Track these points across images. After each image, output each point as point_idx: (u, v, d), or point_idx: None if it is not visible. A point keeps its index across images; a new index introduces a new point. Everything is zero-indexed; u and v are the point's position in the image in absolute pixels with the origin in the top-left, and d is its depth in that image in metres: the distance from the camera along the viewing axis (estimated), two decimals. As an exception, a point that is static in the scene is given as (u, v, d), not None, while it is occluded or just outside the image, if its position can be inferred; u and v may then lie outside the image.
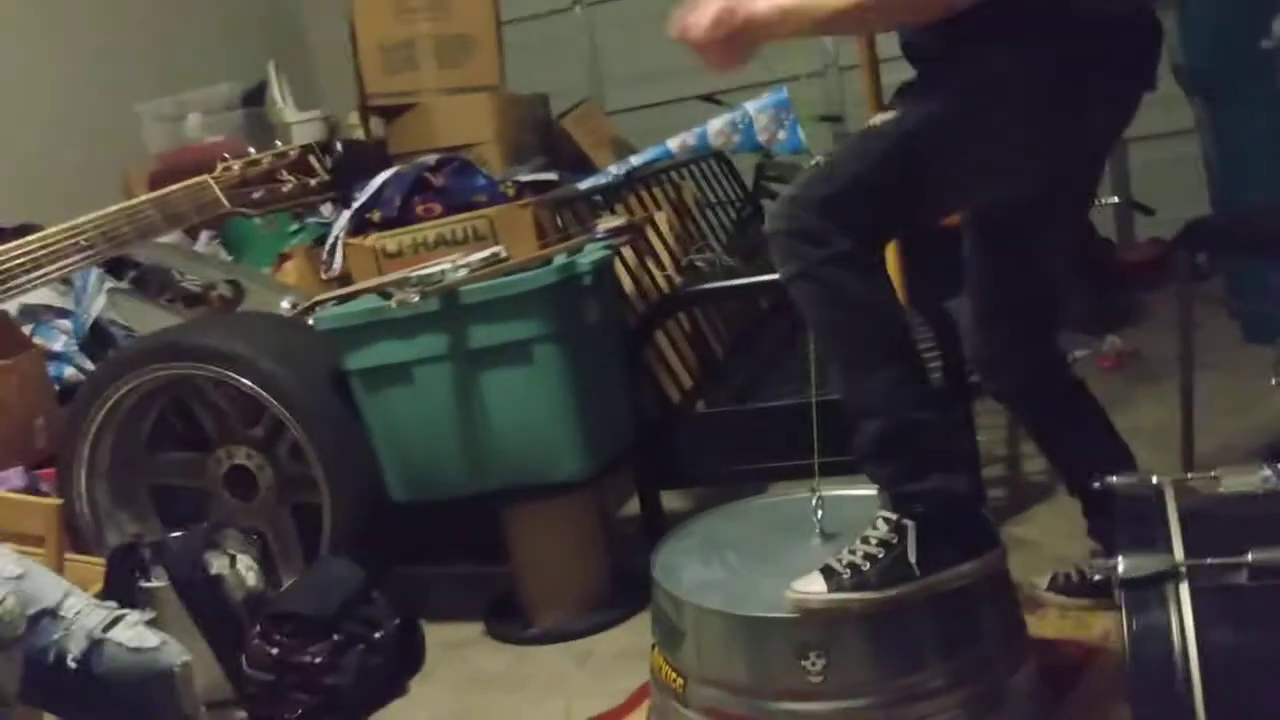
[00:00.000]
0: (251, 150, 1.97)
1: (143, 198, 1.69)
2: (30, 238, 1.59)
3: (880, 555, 1.57)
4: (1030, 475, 2.83)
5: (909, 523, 1.57)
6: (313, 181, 1.75)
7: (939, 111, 1.62)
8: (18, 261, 1.56)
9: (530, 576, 2.50)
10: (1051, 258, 1.91)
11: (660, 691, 1.80)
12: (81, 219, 1.63)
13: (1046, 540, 2.44)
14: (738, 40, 1.61)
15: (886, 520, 1.60)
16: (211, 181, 1.69)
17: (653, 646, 1.82)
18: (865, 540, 1.60)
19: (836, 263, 1.58)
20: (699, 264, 3.27)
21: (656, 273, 3.06)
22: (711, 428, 2.80)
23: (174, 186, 1.68)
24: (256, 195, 1.72)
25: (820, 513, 1.84)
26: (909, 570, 1.56)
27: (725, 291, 3.10)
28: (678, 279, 3.11)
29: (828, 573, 1.58)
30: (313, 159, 1.75)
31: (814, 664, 1.57)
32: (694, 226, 3.59)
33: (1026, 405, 2.07)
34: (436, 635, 2.49)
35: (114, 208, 1.66)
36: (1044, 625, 2.06)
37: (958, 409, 2.43)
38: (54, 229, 1.61)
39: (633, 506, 2.79)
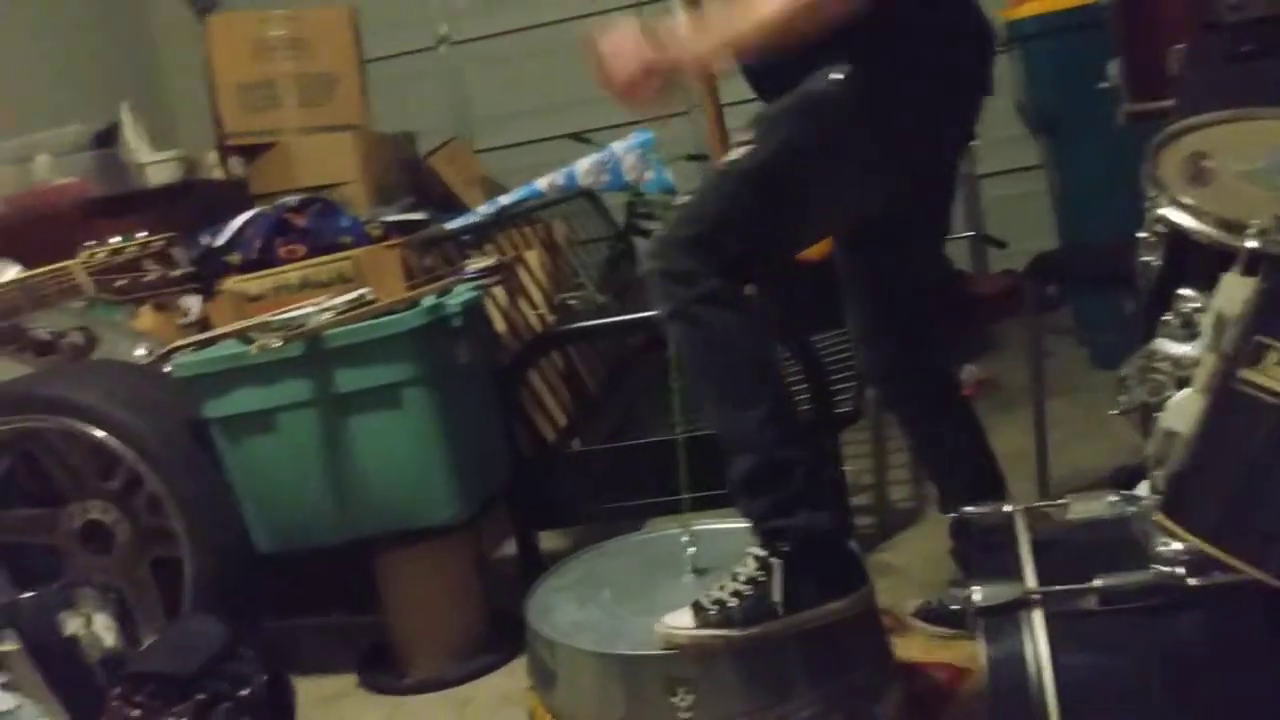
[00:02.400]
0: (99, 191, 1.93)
1: (7, 279, 1.66)
2: None
3: (748, 593, 1.60)
4: (897, 503, 2.90)
5: (775, 561, 1.60)
6: (174, 273, 1.76)
7: (790, 139, 1.67)
8: None
9: (404, 624, 2.45)
10: (920, 271, 2.00)
11: None
12: None
13: (913, 567, 2.50)
14: (664, 81, 1.65)
15: (755, 558, 1.62)
16: (76, 267, 1.68)
17: (529, 689, 1.81)
18: (734, 577, 1.62)
19: (706, 301, 1.61)
20: (571, 302, 3.28)
21: (529, 312, 3.06)
22: (587, 465, 2.80)
23: (38, 271, 1.68)
24: (120, 283, 1.72)
25: (692, 549, 1.86)
26: (773, 609, 1.59)
27: (598, 329, 3.11)
28: (550, 318, 3.11)
29: (696, 609, 1.61)
30: (175, 251, 1.76)
31: (683, 699, 1.59)
32: (565, 265, 3.60)
33: (914, 418, 2.13)
34: (308, 689, 2.42)
35: None
36: (912, 649, 2.11)
37: (825, 442, 2.49)
38: None
39: (509, 548, 2.76)
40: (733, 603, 1.59)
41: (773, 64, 1.72)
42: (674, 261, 1.63)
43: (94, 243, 1.72)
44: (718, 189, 1.70)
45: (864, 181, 1.73)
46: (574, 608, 1.85)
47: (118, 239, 1.73)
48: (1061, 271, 2.78)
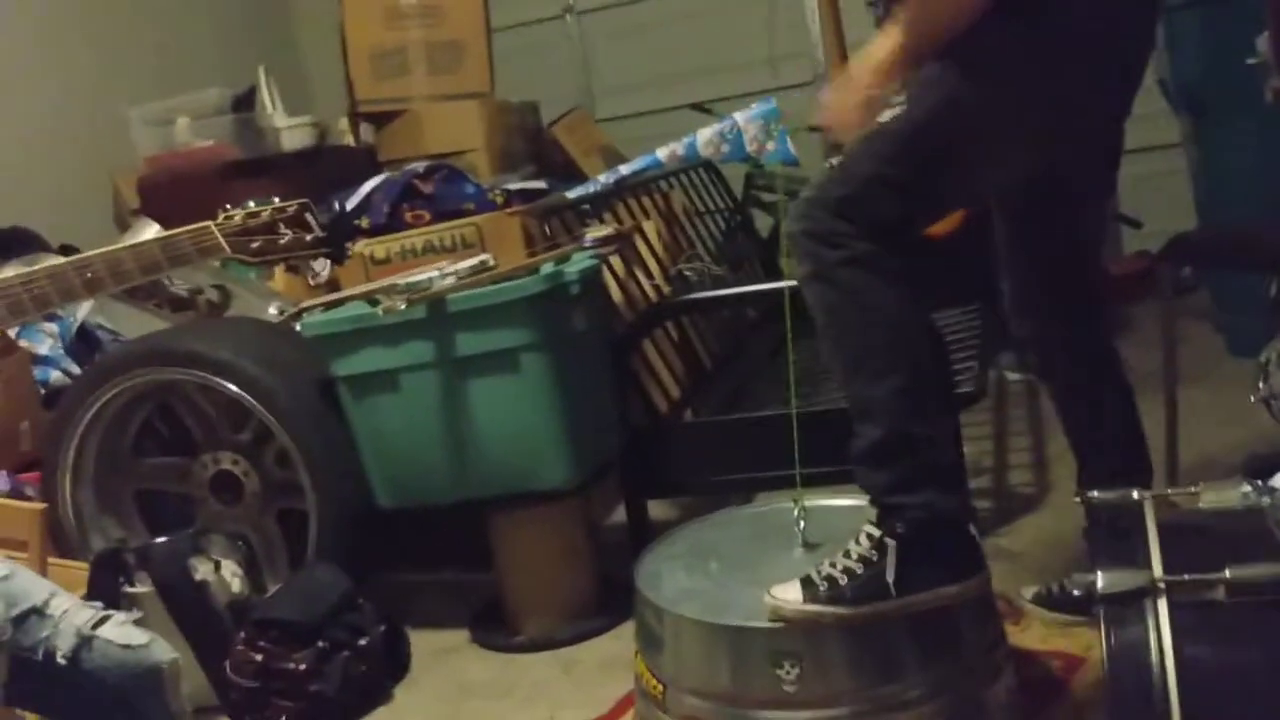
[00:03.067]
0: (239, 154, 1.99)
1: (149, 238, 1.76)
2: (39, 270, 1.63)
3: (859, 571, 1.57)
4: (1017, 487, 2.84)
5: (890, 541, 1.57)
6: (308, 237, 1.82)
7: (944, 98, 1.61)
8: (26, 295, 1.60)
9: (516, 584, 2.50)
10: (1085, 233, 1.94)
11: (643, 698, 1.81)
12: (90, 254, 1.67)
13: (1031, 552, 2.45)
14: (879, 101, 1.65)
15: (870, 536, 1.59)
16: (214, 228, 1.76)
17: (636, 653, 1.83)
18: (847, 554, 1.60)
19: (853, 265, 1.58)
20: (687, 273, 3.28)
21: (645, 282, 3.07)
22: (698, 437, 2.81)
23: (179, 230, 1.75)
24: (255, 245, 1.79)
25: (803, 523, 1.85)
26: (885, 589, 1.56)
27: (713, 301, 3.11)
28: (666, 288, 3.12)
29: (806, 583, 1.59)
30: (309, 216, 1.82)
31: (789, 673, 1.58)
32: (683, 236, 3.60)
33: (1068, 387, 2.06)
34: (422, 642, 2.49)
35: (121, 245, 1.72)
36: (1027, 636, 2.07)
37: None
38: (61, 262, 1.66)
39: (620, 515, 2.79)
40: (843, 580, 1.57)
41: None
42: (820, 222, 1.59)
43: (231, 206, 1.79)
44: (870, 150, 1.65)
45: (1023, 142, 1.67)
46: (682, 576, 1.85)
47: (253, 203, 1.79)
48: (1199, 254, 2.66)
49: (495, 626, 2.52)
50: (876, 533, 1.59)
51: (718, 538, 1.99)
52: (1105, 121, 1.82)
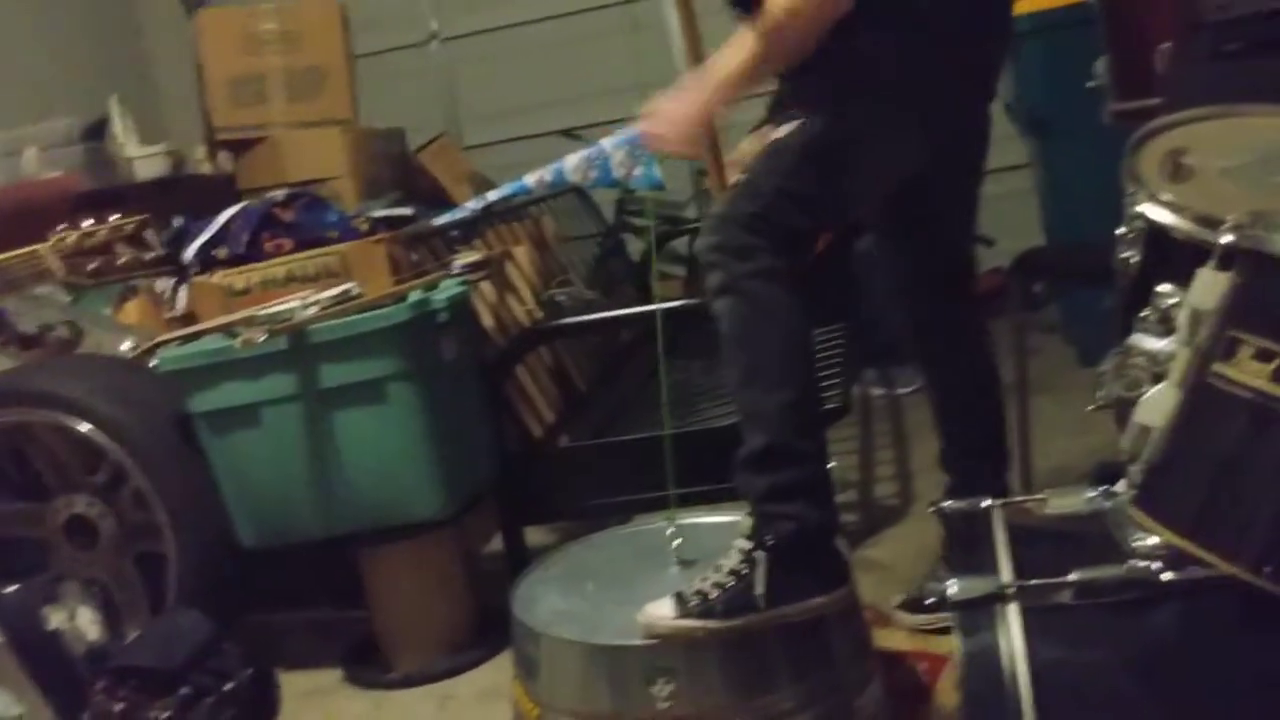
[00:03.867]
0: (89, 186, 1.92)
1: None
2: None
3: (729, 584, 1.60)
4: (883, 499, 2.91)
5: (760, 554, 1.60)
6: (147, 256, 1.74)
7: (835, 110, 1.72)
8: None
9: (389, 620, 2.45)
10: (958, 223, 2.11)
11: (526, 714, 1.80)
12: None
13: (898, 562, 2.51)
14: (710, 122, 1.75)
15: (740, 550, 1.63)
16: (45, 251, 1.66)
17: (514, 679, 1.82)
18: (718, 569, 1.63)
19: (760, 277, 1.64)
20: (560, 298, 3.27)
21: (517, 307, 3.05)
22: (574, 461, 2.80)
23: (8, 254, 1.65)
24: (92, 266, 1.70)
25: (677, 541, 1.87)
26: (754, 601, 1.59)
27: (586, 325, 3.11)
28: (538, 313, 3.11)
29: (678, 599, 1.61)
30: (148, 234, 1.74)
31: (662, 689, 1.60)
32: (554, 261, 3.60)
33: (943, 369, 2.20)
34: (293, 684, 2.42)
35: None
36: (894, 641, 2.12)
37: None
38: None
39: (497, 543, 2.76)
40: (714, 594, 1.60)
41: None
42: (732, 237, 1.65)
43: (65, 226, 1.70)
44: (774, 165, 1.72)
45: (905, 144, 1.78)
46: (558, 598, 1.86)
47: (89, 222, 1.70)
48: (1047, 269, 2.79)
49: (368, 664, 2.47)
50: (747, 546, 1.63)
51: (594, 559, 2.00)
52: (966, 118, 1.95)
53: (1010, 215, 4.32)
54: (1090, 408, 1.29)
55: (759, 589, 1.58)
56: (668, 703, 1.59)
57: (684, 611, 1.59)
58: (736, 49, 1.67)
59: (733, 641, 1.60)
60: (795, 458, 1.63)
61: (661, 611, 1.61)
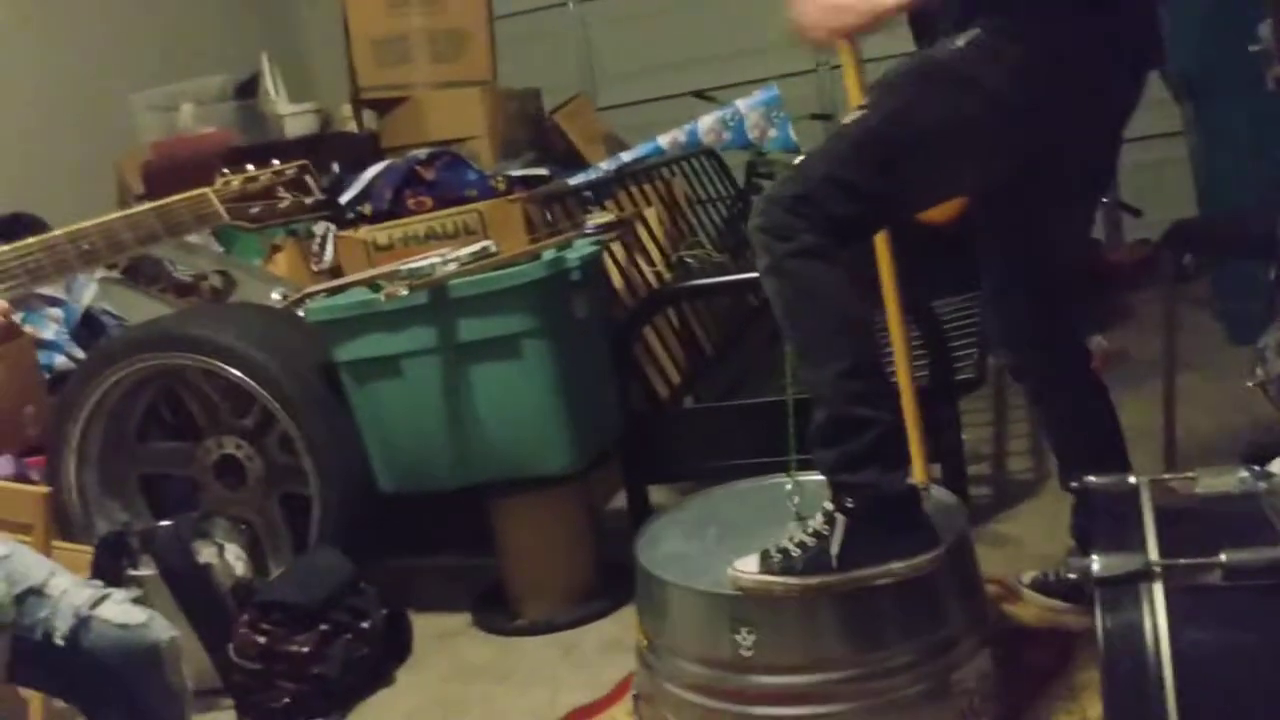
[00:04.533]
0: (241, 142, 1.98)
1: (145, 207, 1.71)
2: (31, 241, 1.60)
3: (810, 544, 1.63)
4: (1016, 474, 2.85)
5: (840, 517, 1.63)
6: (308, 200, 1.79)
7: (902, 106, 1.67)
8: (20, 266, 1.57)
9: (517, 568, 2.51)
10: (1060, 238, 1.95)
11: (638, 648, 1.90)
12: (85, 224, 1.63)
13: (1030, 538, 2.46)
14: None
15: (825, 512, 1.65)
16: (211, 195, 1.72)
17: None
18: (804, 528, 1.66)
19: (801, 256, 1.64)
20: (689, 260, 3.28)
21: (646, 268, 3.07)
22: (698, 423, 2.82)
23: (176, 197, 1.71)
24: (254, 210, 1.75)
25: (797, 498, 1.89)
26: (829, 562, 1.62)
27: (714, 287, 3.11)
28: (667, 275, 3.12)
29: (764, 555, 1.66)
30: (309, 178, 1.78)
31: (745, 638, 1.65)
32: (684, 223, 3.60)
33: (1036, 388, 2.10)
34: (424, 626, 2.51)
35: (117, 215, 1.67)
36: (1022, 620, 2.09)
37: (944, 408, 2.46)
38: (58, 233, 1.62)
39: (620, 500, 2.80)
40: (796, 552, 1.64)
41: (927, 21, 1.72)
42: (774, 218, 1.66)
43: (229, 171, 1.75)
44: (827, 151, 1.72)
45: (978, 154, 1.71)
46: (680, 541, 1.94)
47: (251, 167, 1.75)
48: (1198, 241, 2.67)
49: (496, 610, 2.54)
50: (830, 508, 1.65)
51: (722, 507, 2.07)
52: (1079, 140, 1.81)
53: (1161, 184, 4.17)
54: (1247, 384, 1.25)
55: (834, 549, 1.61)
56: (750, 652, 1.65)
57: (766, 567, 1.65)
58: None
59: (818, 602, 1.64)
60: (858, 427, 1.63)
61: (748, 566, 1.66)
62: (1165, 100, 3.72)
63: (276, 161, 1.80)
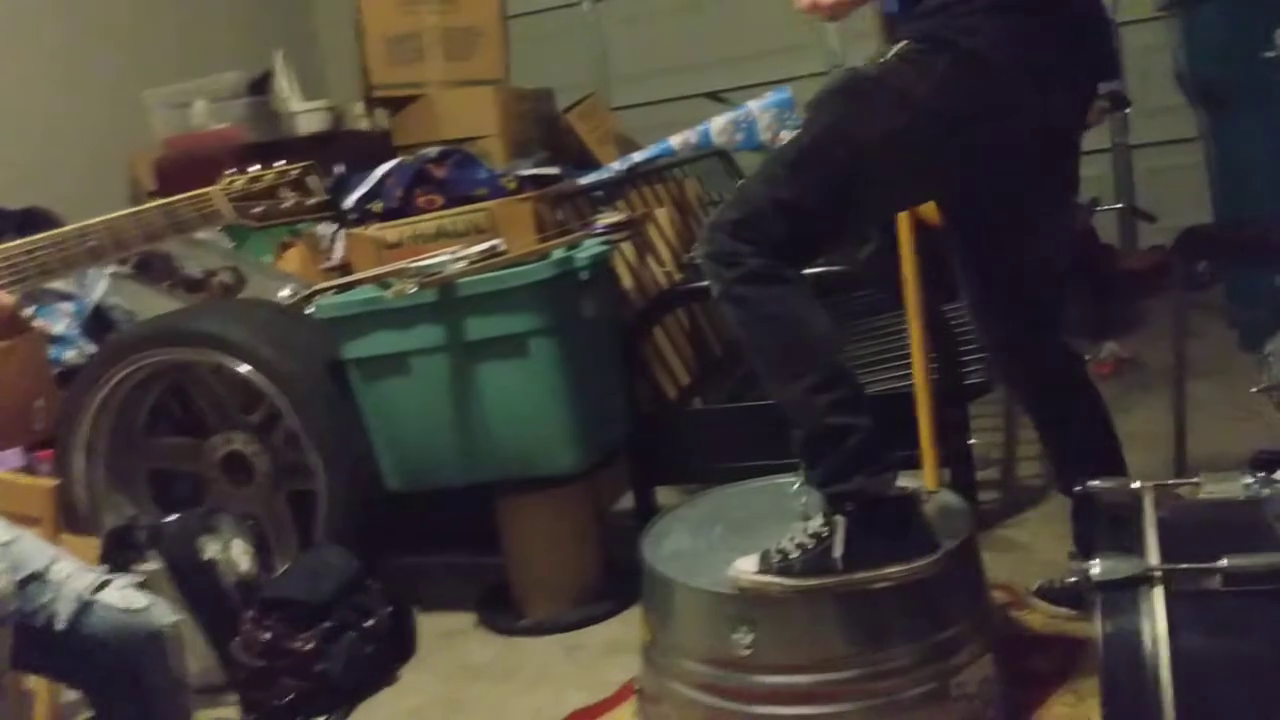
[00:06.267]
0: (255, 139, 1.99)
1: (151, 205, 1.73)
2: (40, 237, 1.62)
3: (810, 545, 1.64)
4: (1025, 479, 2.84)
5: (840, 519, 1.63)
6: (309, 201, 1.80)
7: (832, 124, 1.66)
8: (28, 262, 1.59)
9: (523, 568, 2.51)
10: (1033, 252, 1.91)
11: (643, 644, 1.91)
12: (93, 220, 1.66)
13: (1037, 544, 2.45)
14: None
15: (825, 514, 1.66)
16: (217, 193, 1.74)
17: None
18: (804, 529, 1.67)
19: (750, 281, 1.64)
20: (699, 261, 3.27)
21: (656, 269, 3.07)
22: (706, 424, 2.82)
23: (181, 196, 1.73)
24: (257, 209, 1.77)
25: (804, 498, 1.88)
26: (831, 564, 1.62)
27: (724, 289, 3.10)
28: (678, 275, 3.12)
29: (764, 555, 1.67)
30: (312, 179, 1.80)
31: (744, 637, 1.67)
32: (696, 224, 3.59)
33: (1028, 397, 2.09)
34: (429, 624, 2.51)
35: (124, 212, 1.70)
36: (1028, 626, 2.08)
37: (954, 412, 2.45)
38: (65, 230, 1.65)
39: (627, 501, 2.80)
40: (795, 554, 1.65)
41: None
42: (719, 245, 1.66)
43: (234, 170, 1.77)
44: (765, 173, 1.71)
45: (915, 167, 1.68)
46: (686, 537, 1.95)
47: (256, 167, 1.77)
48: (1211, 248, 2.66)
49: (501, 609, 2.54)
50: (830, 510, 1.66)
51: (731, 505, 2.09)
52: (1029, 154, 1.76)
53: (1177, 190, 4.15)
54: (1253, 390, 1.24)
55: (837, 551, 1.62)
56: (748, 650, 1.67)
57: (765, 567, 1.66)
58: None
59: (816, 602, 1.65)
60: (838, 437, 1.63)
61: (748, 565, 1.68)
62: (1181, 106, 3.71)
63: (282, 162, 1.81)
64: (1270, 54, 2.81)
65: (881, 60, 1.65)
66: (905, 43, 1.64)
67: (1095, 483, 1.34)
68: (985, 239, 1.91)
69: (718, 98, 4.22)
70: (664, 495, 2.74)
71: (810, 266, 1.70)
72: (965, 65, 1.61)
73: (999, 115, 1.66)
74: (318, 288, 2.64)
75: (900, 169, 1.67)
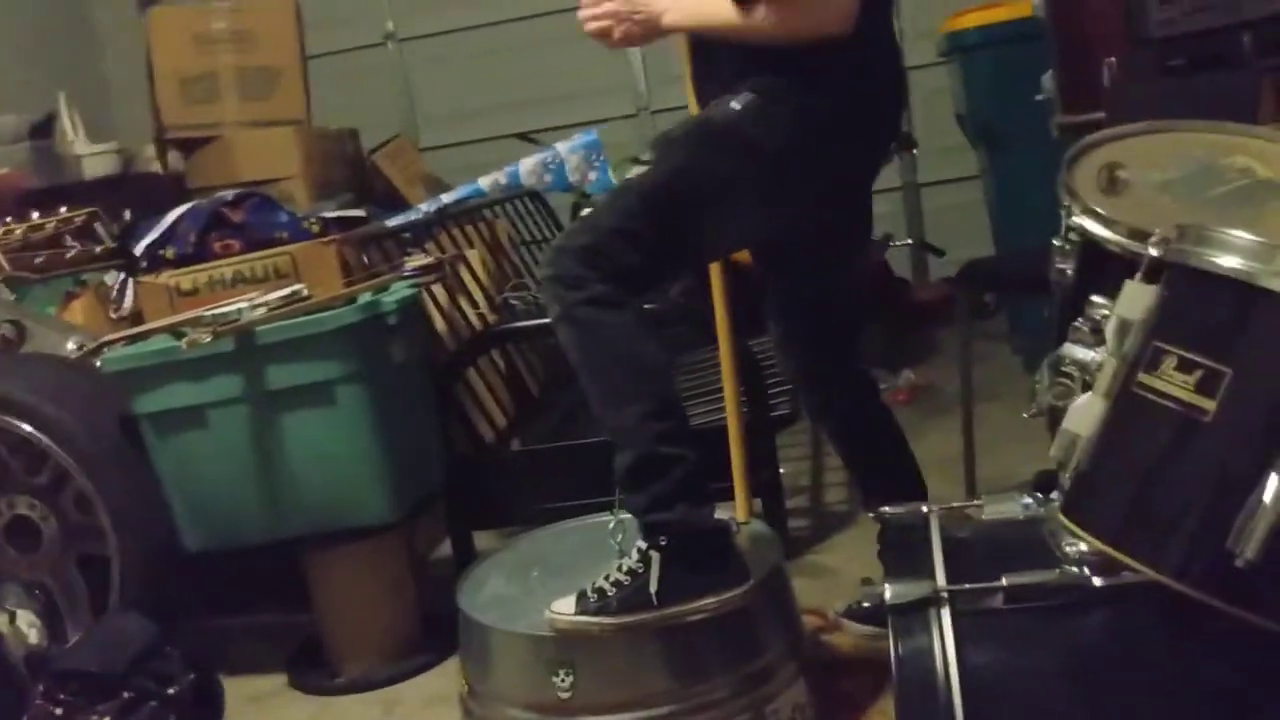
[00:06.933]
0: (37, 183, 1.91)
1: None
2: None
3: (626, 583, 1.66)
4: (833, 505, 2.93)
5: (654, 554, 1.66)
6: (98, 249, 1.71)
7: (682, 164, 1.75)
8: None
9: (335, 624, 2.44)
10: (833, 289, 2.05)
11: (460, 694, 1.89)
12: None
13: (848, 568, 2.53)
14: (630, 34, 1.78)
15: (639, 550, 1.68)
16: None
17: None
18: (619, 567, 1.69)
19: (591, 304, 1.68)
20: (513, 302, 3.27)
21: (469, 311, 3.05)
22: (524, 466, 2.80)
23: None
24: (39, 260, 1.66)
25: (620, 535, 1.90)
26: (648, 599, 1.65)
27: (538, 329, 3.10)
28: (491, 317, 3.11)
29: (580, 596, 1.68)
30: (99, 225, 1.71)
31: (563, 680, 1.67)
32: (508, 264, 3.60)
33: (831, 425, 2.19)
34: (237, 689, 2.40)
35: None
36: (843, 647, 2.14)
37: (761, 443, 2.51)
38: None
39: (446, 548, 2.76)
40: (612, 591, 1.66)
41: (704, 75, 1.80)
42: (564, 267, 1.70)
43: (10, 219, 1.66)
44: (614, 203, 1.77)
45: (758, 211, 1.79)
46: (502, 584, 1.93)
47: (36, 215, 1.67)
48: (990, 279, 2.82)
49: (314, 668, 2.45)
50: (644, 546, 1.68)
51: (547, 548, 2.08)
52: (840, 198, 1.91)
53: (962, 226, 4.40)
54: (1025, 415, 1.32)
55: (653, 587, 1.64)
56: (567, 693, 1.67)
57: (583, 608, 1.67)
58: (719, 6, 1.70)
59: (634, 640, 1.66)
60: (664, 466, 1.67)
61: (565, 607, 1.68)
62: (963, 146, 3.94)
63: (63, 209, 1.72)
64: (1040, 97, 3.03)
65: (727, 109, 1.72)
66: (750, 95, 1.71)
67: (887, 508, 1.39)
68: (798, 275, 2.03)
69: (528, 139, 4.26)
70: (483, 540, 2.71)
71: (647, 298, 1.75)
72: (806, 118, 1.71)
73: (827, 164, 1.78)
74: (106, 339, 2.51)
75: (744, 212, 1.77)
